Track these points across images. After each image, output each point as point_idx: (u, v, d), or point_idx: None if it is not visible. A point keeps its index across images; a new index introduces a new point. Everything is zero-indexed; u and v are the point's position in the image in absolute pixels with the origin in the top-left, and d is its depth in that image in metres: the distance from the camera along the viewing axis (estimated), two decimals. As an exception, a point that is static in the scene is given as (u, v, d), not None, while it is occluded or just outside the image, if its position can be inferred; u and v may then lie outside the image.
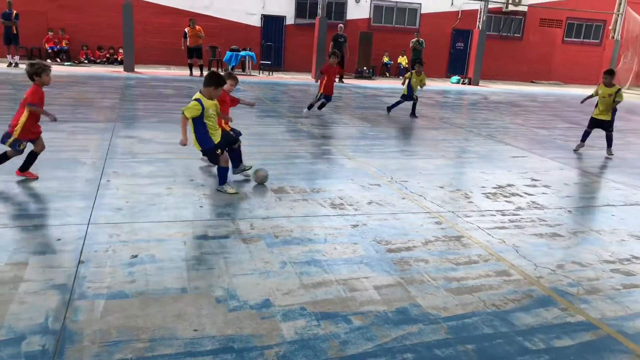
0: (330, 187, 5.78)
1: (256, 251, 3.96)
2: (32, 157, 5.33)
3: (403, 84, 11.92)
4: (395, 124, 10.60)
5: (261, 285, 3.43)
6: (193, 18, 18.08)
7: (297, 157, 7.13)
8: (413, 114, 11.61)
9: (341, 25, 19.87)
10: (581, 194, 6.33)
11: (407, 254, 4.11)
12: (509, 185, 6.36)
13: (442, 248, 4.28)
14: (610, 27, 23.85)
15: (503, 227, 4.86)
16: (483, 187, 6.21)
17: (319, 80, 11.07)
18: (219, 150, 5.24)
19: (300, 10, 22.45)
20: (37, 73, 5.10)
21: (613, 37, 23.38)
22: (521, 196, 5.92)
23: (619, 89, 8.65)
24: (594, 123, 8.85)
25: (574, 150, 8.87)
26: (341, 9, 22.90)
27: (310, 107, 10.89)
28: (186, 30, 17.30)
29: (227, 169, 5.34)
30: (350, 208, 5.10)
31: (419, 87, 11.61)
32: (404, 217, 4.97)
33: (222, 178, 5.31)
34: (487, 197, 5.80)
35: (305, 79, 19.79)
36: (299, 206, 5.11)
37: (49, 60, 19.31)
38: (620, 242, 4.69)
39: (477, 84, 21.71)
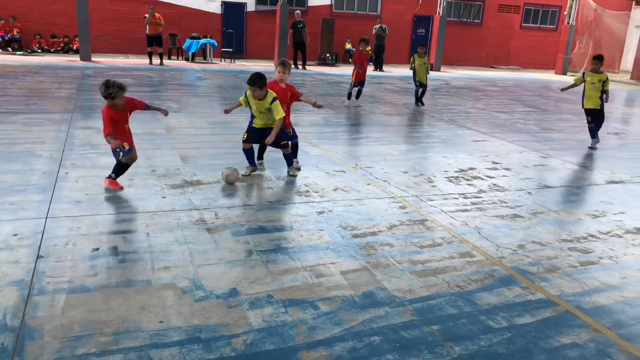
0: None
1: (221, 240, 3.93)
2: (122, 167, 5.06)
3: (411, 68, 11.74)
4: (359, 110, 10.62)
5: (227, 275, 3.41)
6: (152, 5, 17.62)
7: (261, 145, 7.06)
8: (420, 101, 11.63)
9: (298, 11, 19.67)
10: (540, 175, 6.50)
11: (373, 238, 4.14)
12: (471, 168, 6.48)
13: (407, 232, 4.33)
14: (565, 13, 24.43)
15: (465, 210, 4.95)
16: (446, 171, 6.30)
17: (353, 70, 11.12)
18: (245, 135, 5.67)
19: (261, -3, 22.17)
20: (111, 97, 4.79)
21: (568, 23, 23.97)
22: (482, 179, 6.04)
23: (607, 77, 8.21)
24: (590, 113, 8.26)
25: (589, 147, 8.11)
26: (303, -5, 22.72)
27: (349, 96, 11.14)
28: (146, 16, 16.85)
29: (246, 150, 5.67)
30: (316, 195, 5.10)
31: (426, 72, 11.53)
32: (369, 202, 5.01)
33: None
34: (450, 180, 5.90)
35: (267, 66, 19.60)
36: (264, 194, 5.08)
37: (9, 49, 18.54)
38: (577, 222, 4.85)
39: (438, 70, 21.94)
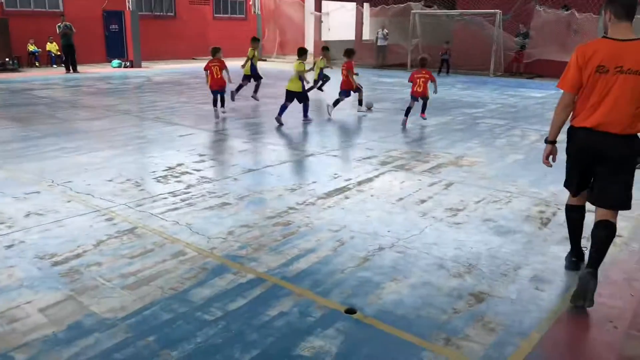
0: (-26, 207, 4.90)
1: None
2: None
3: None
4: (52, 119, 9.57)
5: None
6: None
7: None
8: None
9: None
10: (244, 160, 6.89)
11: (77, 262, 3.80)
12: (179, 164, 6.49)
13: (116, 245, 4.11)
14: (250, 3, 26.22)
15: (176, 208, 4.94)
16: (153, 171, 6.17)
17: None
18: None
19: None
20: None
21: (255, 12, 25.81)
22: (191, 173, 6.11)
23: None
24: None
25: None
26: (-41, -8, 19.22)
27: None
28: None
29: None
30: (2, 226, 4.43)
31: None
32: (71, 222, 4.58)
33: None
34: (158, 181, 5.80)
35: None
36: None
37: None
38: (278, 198, 5.30)
39: (139, 66, 21.29)
